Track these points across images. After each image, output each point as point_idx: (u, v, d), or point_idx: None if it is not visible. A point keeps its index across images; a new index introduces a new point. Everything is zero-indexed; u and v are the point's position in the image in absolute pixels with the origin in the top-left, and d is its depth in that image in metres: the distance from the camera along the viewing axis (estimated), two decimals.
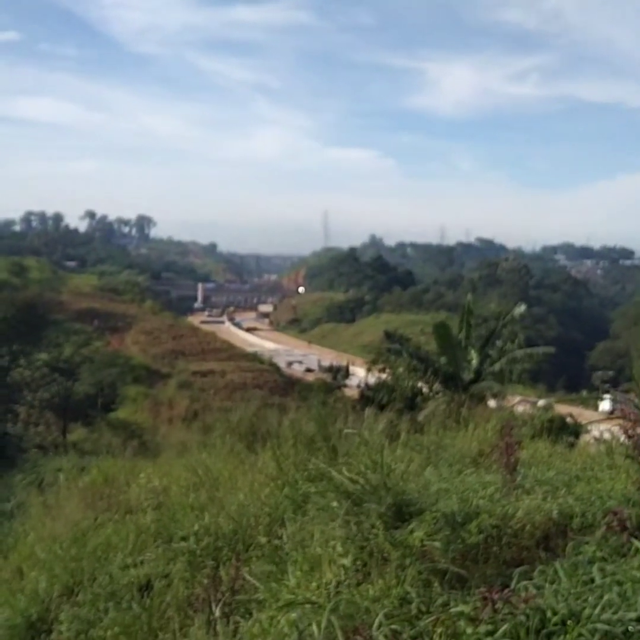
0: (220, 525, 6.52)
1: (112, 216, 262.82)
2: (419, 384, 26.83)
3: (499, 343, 26.22)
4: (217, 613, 4.78)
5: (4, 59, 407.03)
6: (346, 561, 4.53)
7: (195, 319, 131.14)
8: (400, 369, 27.43)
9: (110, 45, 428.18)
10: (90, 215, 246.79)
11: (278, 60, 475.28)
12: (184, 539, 6.62)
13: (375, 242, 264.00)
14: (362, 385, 36.91)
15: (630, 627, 3.08)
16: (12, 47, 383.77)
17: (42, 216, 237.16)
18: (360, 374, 51.84)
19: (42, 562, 8.17)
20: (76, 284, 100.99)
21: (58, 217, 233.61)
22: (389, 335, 29.93)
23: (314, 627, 3.61)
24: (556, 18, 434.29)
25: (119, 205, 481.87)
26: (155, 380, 68.53)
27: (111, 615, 5.96)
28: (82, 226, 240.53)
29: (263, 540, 5.78)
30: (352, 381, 55.57)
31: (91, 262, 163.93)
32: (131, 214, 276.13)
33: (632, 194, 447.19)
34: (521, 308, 27.50)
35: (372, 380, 34.05)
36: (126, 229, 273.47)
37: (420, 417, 17.92)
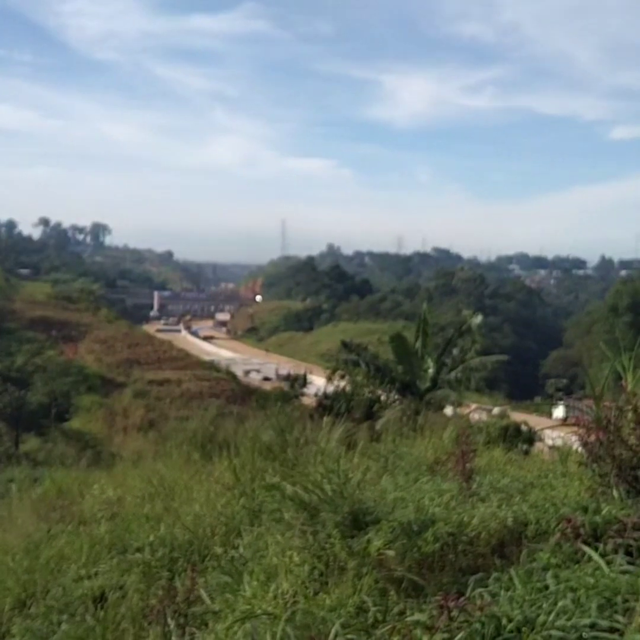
0: (176, 536, 6.47)
1: (66, 223, 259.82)
2: (377, 393, 26.95)
3: (455, 352, 26.45)
4: (173, 625, 4.73)
5: None
6: (302, 571, 4.52)
7: (151, 328, 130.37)
8: (359, 378, 27.53)
9: (67, 52, 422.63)
10: (44, 222, 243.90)
11: (237, 70, 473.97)
12: (138, 550, 6.56)
13: (332, 251, 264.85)
14: (320, 394, 36.90)
15: (583, 634, 3.11)
16: None
17: None
18: (318, 383, 51.83)
19: None
20: (29, 291, 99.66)
21: (11, 224, 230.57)
22: (346, 345, 29.98)
23: (270, 638, 3.60)
24: (514, 31, 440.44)
25: (74, 212, 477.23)
26: (110, 390, 67.83)
27: (65, 628, 5.86)
28: (36, 233, 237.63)
29: (219, 550, 5.75)
30: (310, 390, 55.58)
31: (45, 270, 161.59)
32: (86, 222, 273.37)
33: (585, 206, 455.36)
34: (478, 318, 27.77)
35: (330, 389, 34.09)
36: (81, 237, 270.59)
37: (378, 425, 17.99)
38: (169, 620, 4.77)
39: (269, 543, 5.11)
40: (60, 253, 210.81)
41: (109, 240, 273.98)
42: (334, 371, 33.18)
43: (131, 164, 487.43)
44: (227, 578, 5.01)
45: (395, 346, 26.09)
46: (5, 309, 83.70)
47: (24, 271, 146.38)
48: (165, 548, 6.30)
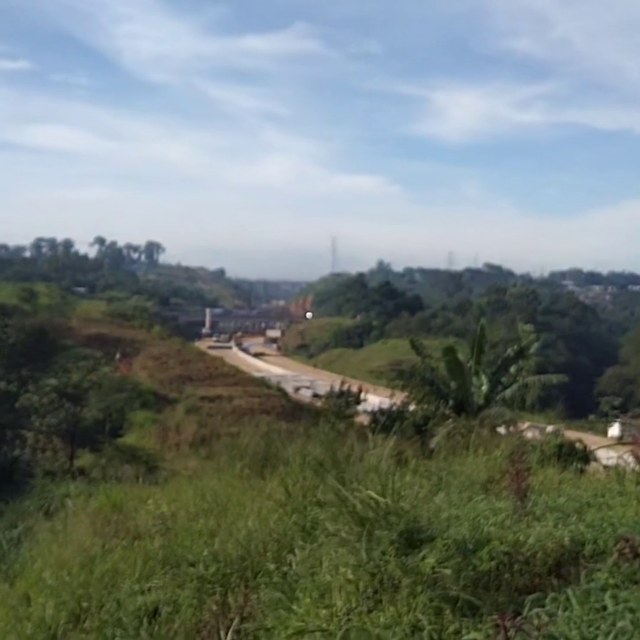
0: (229, 552, 6.48)
1: (121, 242, 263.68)
2: (430, 409, 26.67)
3: (512, 370, 26.10)
4: None
5: (15, 88, 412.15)
6: (356, 588, 4.49)
7: (203, 345, 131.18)
8: (420, 393, 27.10)
9: (121, 74, 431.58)
10: (100, 241, 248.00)
11: (286, 89, 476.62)
12: (192, 565, 6.58)
13: (383, 268, 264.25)
14: (374, 410, 36.60)
15: None
16: (24, 76, 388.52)
17: (52, 242, 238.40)
18: (370, 400, 51.66)
19: (50, 589, 8.11)
20: (85, 309, 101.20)
21: (68, 243, 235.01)
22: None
23: None
24: (564, 47, 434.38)
25: (129, 231, 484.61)
26: (163, 406, 68.38)
27: None
28: (92, 252, 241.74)
29: (272, 567, 5.74)
30: (363, 407, 55.30)
31: (100, 288, 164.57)
32: (140, 240, 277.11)
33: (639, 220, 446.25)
34: (539, 341, 27.58)
35: (385, 405, 33.81)
36: (135, 255, 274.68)
37: (432, 443, 17.86)
38: (222, 635, 4.77)
39: (322, 560, 5.09)
40: (116, 271, 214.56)
41: (162, 258, 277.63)
42: (394, 386, 32.22)
43: (184, 183, 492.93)
44: (280, 594, 5.00)
45: (449, 361, 25.84)
46: (62, 326, 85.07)
47: (81, 289, 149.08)
48: (218, 563, 6.31)
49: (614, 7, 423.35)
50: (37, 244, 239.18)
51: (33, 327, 78.09)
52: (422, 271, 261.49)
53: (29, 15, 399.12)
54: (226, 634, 4.75)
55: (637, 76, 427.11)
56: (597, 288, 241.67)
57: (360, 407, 51.77)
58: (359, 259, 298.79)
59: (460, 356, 26.29)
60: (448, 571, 4.25)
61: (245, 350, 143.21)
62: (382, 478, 5.43)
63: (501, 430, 24.30)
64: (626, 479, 7.11)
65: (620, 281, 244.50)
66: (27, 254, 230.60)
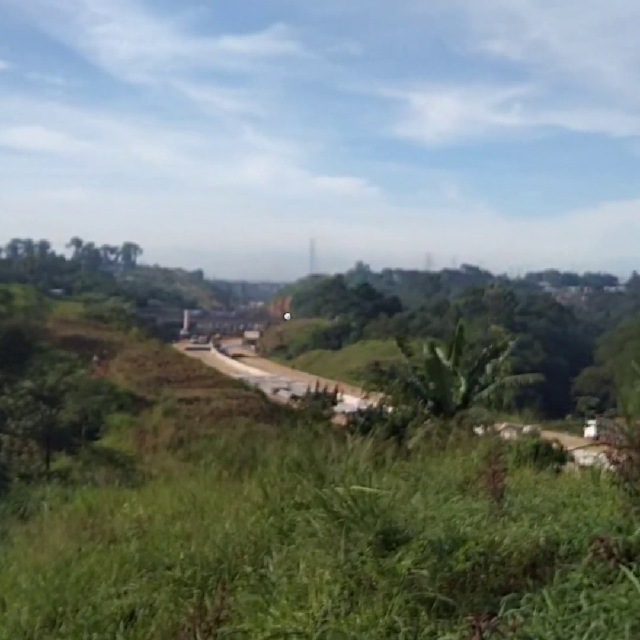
0: (206, 554, 6.46)
1: (98, 243, 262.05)
2: (408, 410, 26.74)
3: (488, 370, 26.23)
4: None
5: None
6: (333, 590, 4.49)
7: (181, 346, 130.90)
8: (400, 395, 27.20)
9: (99, 75, 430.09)
10: (77, 242, 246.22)
11: (266, 90, 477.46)
12: (169, 568, 6.56)
13: (361, 269, 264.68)
14: (352, 411, 36.59)
15: None
16: (1, 76, 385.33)
17: (28, 243, 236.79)
18: (348, 401, 51.62)
19: (25, 593, 8.03)
20: (62, 311, 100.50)
21: (44, 245, 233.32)
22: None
23: None
24: (541, 49, 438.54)
25: (106, 232, 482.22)
26: (140, 408, 68.05)
27: None
28: (69, 253, 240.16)
29: (249, 569, 5.72)
30: (341, 408, 55.27)
31: (77, 290, 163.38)
32: (117, 241, 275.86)
33: (616, 222, 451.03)
34: (514, 340, 27.81)
35: (363, 406, 33.81)
36: (112, 257, 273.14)
37: (409, 444, 17.89)
38: (199, 638, 4.75)
39: (299, 561, 5.09)
40: (92, 273, 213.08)
41: (140, 259, 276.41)
42: (371, 389, 32.41)
43: (162, 184, 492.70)
44: (257, 597, 4.98)
45: (429, 360, 25.89)
46: (38, 328, 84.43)
47: (57, 291, 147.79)
48: (196, 566, 6.29)
49: (589, 10, 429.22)
50: (13, 245, 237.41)
51: (8, 329, 77.55)
52: (401, 272, 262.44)
53: (5, 15, 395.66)
54: (203, 637, 4.73)
55: (614, 79, 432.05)
56: (573, 289, 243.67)
57: (338, 408, 51.76)
58: (338, 260, 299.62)
59: (440, 354, 26.39)
60: (424, 572, 4.26)
61: (223, 352, 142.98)
62: (359, 479, 5.43)
63: (479, 430, 24.41)
64: (601, 479, 7.16)
65: (597, 282, 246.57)
66: (3, 255, 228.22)
